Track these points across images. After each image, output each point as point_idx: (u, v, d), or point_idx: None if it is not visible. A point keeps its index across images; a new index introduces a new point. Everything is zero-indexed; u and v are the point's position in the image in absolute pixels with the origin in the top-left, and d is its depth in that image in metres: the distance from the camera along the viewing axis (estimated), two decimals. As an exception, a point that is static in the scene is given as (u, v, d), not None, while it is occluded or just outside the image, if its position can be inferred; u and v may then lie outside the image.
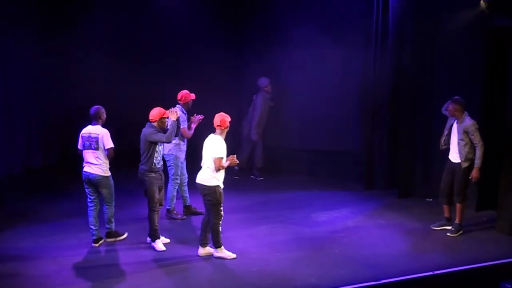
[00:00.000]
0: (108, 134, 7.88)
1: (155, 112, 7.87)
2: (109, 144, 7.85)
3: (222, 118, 7.43)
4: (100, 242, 7.96)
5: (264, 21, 12.00)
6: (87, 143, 7.87)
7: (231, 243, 8.03)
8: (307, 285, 6.79)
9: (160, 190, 7.94)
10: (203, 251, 7.59)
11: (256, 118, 11.40)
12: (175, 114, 7.95)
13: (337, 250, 7.86)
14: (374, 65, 10.48)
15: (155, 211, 7.84)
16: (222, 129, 7.43)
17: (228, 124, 7.48)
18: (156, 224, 7.82)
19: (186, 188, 9.04)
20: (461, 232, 8.41)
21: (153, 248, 7.79)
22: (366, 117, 10.74)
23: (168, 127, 7.89)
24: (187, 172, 8.99)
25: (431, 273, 6.58)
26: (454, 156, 8.34)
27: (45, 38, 10.83)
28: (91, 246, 7.84)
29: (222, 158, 7.31)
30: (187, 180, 8.98)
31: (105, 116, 8.02)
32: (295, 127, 11.76)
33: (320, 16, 11.25)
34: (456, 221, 8.42)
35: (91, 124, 7.95)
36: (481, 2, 8.77)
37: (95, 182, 7.87)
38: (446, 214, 8.56)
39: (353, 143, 11.13)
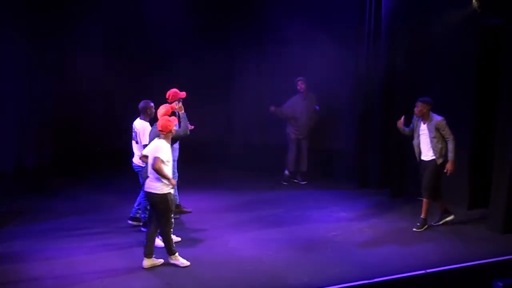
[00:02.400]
0: (146, 130, 8.06)
1: (165, 109, 7.81)
2: (144, 141, 8.03)
3: (163, 123, 7.12)
4: None
5: (256, 21, 12.01)
6: (133, 134, 8.25)
7: (224, 242, 8.06)
8: (300, 284, 6.79)
9: None
10: (148, 262, 7.23)
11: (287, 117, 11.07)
12: (181, 107, 7.98)
13: (330, 248, 7.87)
14: (367, 65, 10.50)
15: None
16: (165, 134, 7.11)
17: (172, 129, 7.12)
18: None
19: (176, 187, 8.97)
20: (426, 226, 8.55)
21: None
22: (359, 116, 10.76)
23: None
24: (177, 171, 8.92)
25: (423, 271, 6.59)
26: (426, 155, 8.45)
27: (39, 36, 10.80)
28: (84, 246, 7.82)
29: (162, 160, 6.94)
30: (177, 179, 8.89)
31: (153, 111, 8.21)
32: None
33: (312, 17, 11.25)
34: (422, 216, 8.55)
35: (139, 117, 8.19)
36: (473, 1, 8.79)
37: (135, 171, 8.25)
38: (441, 208, 8.70)
39: (346, 142, 11.16)
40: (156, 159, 6.93)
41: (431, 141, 8.33)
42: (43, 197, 9.93)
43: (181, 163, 8.87)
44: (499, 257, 7.15)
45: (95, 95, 11.12)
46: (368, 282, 6.31)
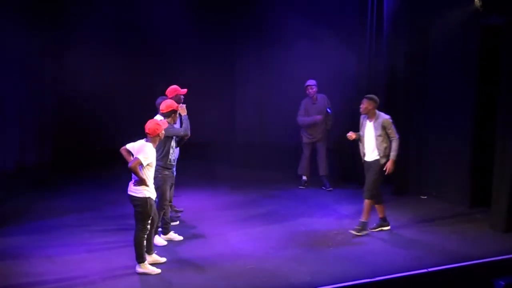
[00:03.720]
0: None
1: (167, 104, 7.67)
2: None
3: (151, 126, 6.89)
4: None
5: (258, 21, 12.02)
6: None
7: (225, 240, 8.06)
8: (302, 282, 6.78)
9: (171, 188, 7.88)
10: (149, 259, 7.14)
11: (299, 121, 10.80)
12: (184, 109, 7.81)
13: (332, 247, 7.88)
14: (369, 63, 10.51)
15: (164, 209, 7.78)
16: (152, 137, 6.89)
17: (159, 133, 6.91)
18: (160, 222, 7.80)
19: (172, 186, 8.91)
20: (365, 232, 8.24)
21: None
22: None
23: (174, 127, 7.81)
24: (175, 170, 8.87)
25: (425, 270, 6.60)
26: (370, 155, 8.28)
27: (39, 34, 10.79)
28: (84, 244, 7.81)
29: (141, 163, 6.69)
30: (174, 179, 8.84)
31: None
32: (290, 124, 11.76)
33: (314, 15, 11.28)
34: (362, 219, 8.27)
35: (157, 114, 7.98)
36: (476, 0, 8.79)
37: None
38: (380, 215, 8.49)
39: (346, 142, 11.10)
40: (135, 159, 6.74)
41: (376, 140, 8.15)
42: (43, 195, 9.92)
43: (182, 163, 8.87)
44: (501, 256, 7.16)
45: (95, 94, 11.11)
46: (369, 281, 6.32)
